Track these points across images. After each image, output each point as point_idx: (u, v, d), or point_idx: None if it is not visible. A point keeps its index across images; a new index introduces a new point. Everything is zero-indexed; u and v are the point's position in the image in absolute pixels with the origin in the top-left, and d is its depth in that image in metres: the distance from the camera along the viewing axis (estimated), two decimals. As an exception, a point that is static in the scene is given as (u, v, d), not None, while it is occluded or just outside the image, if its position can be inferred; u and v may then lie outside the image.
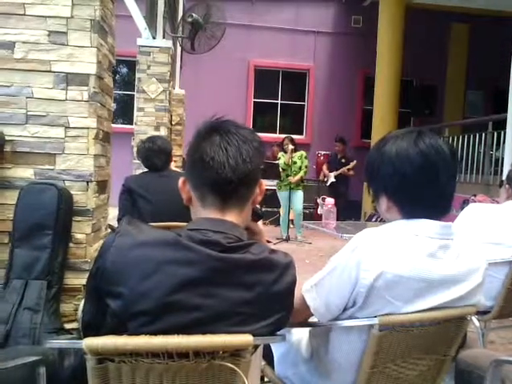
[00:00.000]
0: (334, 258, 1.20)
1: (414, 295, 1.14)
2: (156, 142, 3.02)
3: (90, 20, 2.21)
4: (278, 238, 6.87)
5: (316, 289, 1.21)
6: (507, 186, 2.44)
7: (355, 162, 7.84)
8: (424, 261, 1.14)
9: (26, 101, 2.20)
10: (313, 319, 1.30)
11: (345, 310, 1.20)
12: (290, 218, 7.20)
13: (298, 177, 6.82)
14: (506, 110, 5.23)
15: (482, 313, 2.23)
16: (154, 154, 2.99)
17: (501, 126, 5.80)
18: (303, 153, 7.04)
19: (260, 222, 1.27)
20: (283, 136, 7.26)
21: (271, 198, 7.73)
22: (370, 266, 1.11)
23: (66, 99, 2.22)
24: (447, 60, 10.25)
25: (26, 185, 2.16)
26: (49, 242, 2.09)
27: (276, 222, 7.81)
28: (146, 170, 3.11)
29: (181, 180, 1.11)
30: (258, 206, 1.20)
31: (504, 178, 2.72)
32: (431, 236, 1.16)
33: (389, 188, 1.22)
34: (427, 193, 1.17)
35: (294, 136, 7.61)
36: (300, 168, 6.87)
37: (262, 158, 1.09)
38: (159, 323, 0.94)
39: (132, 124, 5.90)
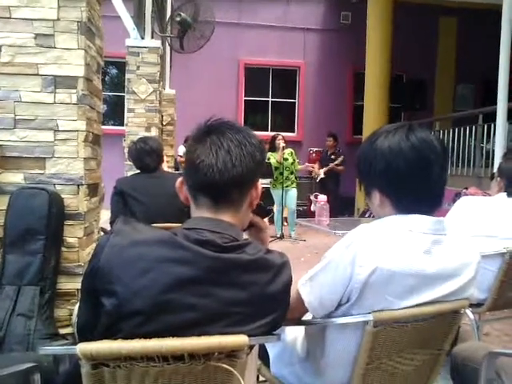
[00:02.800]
0: (328, 253, 1.21)
1: (409, 291, 1.14)
2: (148, 143, 3.00)
3: (77, 22, 2.20)
4: (272, 236, 6.87)
5: (310, 283, 1.22)
6: (498, 178, 2.45)
7: (342, 157, 7.92)
8: (418, 256, 1.14)
9: (14, 105, 2.19)
10: (307, 317, 1.30)
11: (339, 306, 1.20)
12: (284, 215, 7.21)
13: (300, 167, 7.17)
14: (495, 103, 5.25)
15: (475, 305, 2.24)
16: (146, 154, 2.97)
17: (491, 118, 5.83)
18: (292, 150, 7.09)
19: (266, 219, 1.28)
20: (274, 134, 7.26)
21: (265, 197, 7.72)
22: (365, 261, 1.12)
23: (55, 102, 2.20)
24: (436, 54, 10.29)
25: (16, 190, 2.15)
26: (41, 247, 2.08)
27: (270, 221, 7.82)
28: (137, 171, 3.10)
29: (179, 180, 1.11)
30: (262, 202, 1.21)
31: (495, 170, 2.74)
32: (425, 231, 1.16)
33: (382, 183, 1.22)
34: (420, 186, 1.18)
35: (286, 133, 7.63)
36: (292, 164, 6.92)
37: (257, 163, 1.07)
38: (154, 323, 0.93)
39: (123, 125, 5.87)
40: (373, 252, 1.12)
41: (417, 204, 1.18)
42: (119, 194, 2.92)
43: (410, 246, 1.14)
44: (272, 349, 1.49)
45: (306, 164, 7.81)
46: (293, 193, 6.99)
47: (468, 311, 2.19)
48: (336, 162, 7.96)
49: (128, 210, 2.89)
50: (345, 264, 1.14)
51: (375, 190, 1.24)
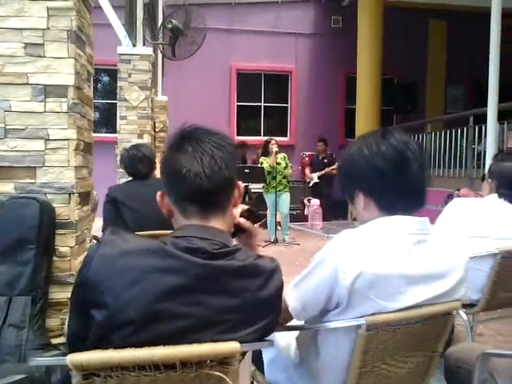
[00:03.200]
0: (313, 258, 1.22)
1: (396, 292, 1.15)
2: (140, 149, 3.01)
3: (67, 31, 2.20)
4: (266, 241, 6.87)
5: (295, 289, 1.23)
6: (489, 179, 2.46)
7: (336, 164, 7.94)
8: (402, 257, 1.15)
9: (4, 114, 2.17)
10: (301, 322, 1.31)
11: (328, 311, 1.20)
12: (278, 220, 7.21)
13: (289, 171, 6.96)
14: (486, 104, 5.29)
15: (469, 306, 2.25)
16: (138, 161, 2.97)
17: (481, 119, 5.87)
18: (285, 154, 7.09)
19: (257, 225, 1.28)
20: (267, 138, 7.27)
21: (258, 201, 7.74)
22: (348, 267, 1.12)
23: (45, 111, 2.19)
24: (427, 56, 10.36)
25: (6, 199, 2.13)
26: (32, 257, 2.06)
27: (264, 225, 7.82)
28: (129, 178, 3.09)
29: (158, 194, 1.11)
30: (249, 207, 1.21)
31: (486, 171, 2.75)
32: (409, 232, 1.18)
33: (363, 184, 1.24)
34: (401, 182, 1.20)
35: (279, 138, 7.63)
36: (285, 168, 6.91)
37: (237, 162, 1.10)
38: (145, 333, 0.93)
39: (115, 133, 5.85)
40: (356, 257, 1.13)
41: (399, 201, 1.21)
42: (111, 201, 2.91)
43: (393, 248, 1.16)
44: (266, 354, 1.49)
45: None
46: (285, 197, 6.99)
47: (461, 312, 2.19)
48: (334, 167, 7.99)
49: (120, 217, 2.88)
50: (328, 270, 1.15)
51: (359, 193, 1.26)
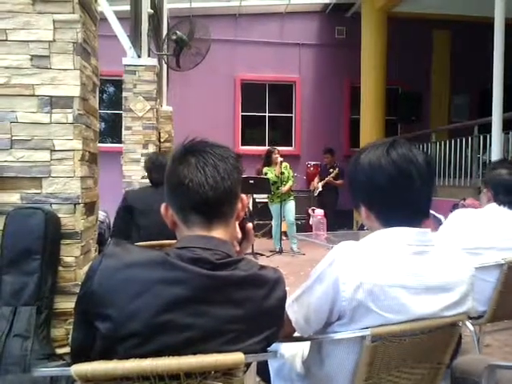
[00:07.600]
0: (313, 272, 1.21)
1: (398, 303, 1.14)
2: (159, 158, 3.23)
3: (73, 43, 2.22)
4: (271, 251, 6.85)
5: (297, 303, 1.22)
6: (485, 189, 2.43)
7: (337, 170, 7.89)
8: (402, 268, 1.14)
9: (11, 126, 2.19)
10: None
11: (330, 324, 1.19)
12: (283, 229, 7.17)
13: (287, 186, 6.86)
14: (490, 114, 5.28)
15: (475, 317, 2.23)
16: (155, 169, 3.12)
17: (486, 129, 5.86)
18: (287, 164, 7.07)
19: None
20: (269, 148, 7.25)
21: (263, 211, 7.74)
22: (348, 278, 1.12)
23: (51, 122, 2.21)
24: (431, 66, 10.36)
25: (12, 210, 2.15)
26: (37, 267, 2.07)
27: (269, 235, 7.81)
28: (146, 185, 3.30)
29: (163, 206, 1.11)
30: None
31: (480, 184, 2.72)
32: (408, 243, 1.17)
33: (365, 197, 1.24)
34: (401, 200, 1.18)
35: (283, 148, 7.62)
36: (288, 178, 6.89)
37: (240, 174, 1.10)
38: (150, 344, 0.93)
39: (121, 143, 5.88)
40: (355, 268, 1.13)
41: (400, 217, 1.19)
42: (126, 207, 3.02)
43: (393, 259, 1.15)
44: (272, 364, 1.48)
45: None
46: (291, 205, 6.94)
47: (468, 323, 2.17)
48: (332, 175, 7.95)
49: (135, 224, 2.98)
50: (328, 282, 1.14)
51: (361, 204, 1.26)
